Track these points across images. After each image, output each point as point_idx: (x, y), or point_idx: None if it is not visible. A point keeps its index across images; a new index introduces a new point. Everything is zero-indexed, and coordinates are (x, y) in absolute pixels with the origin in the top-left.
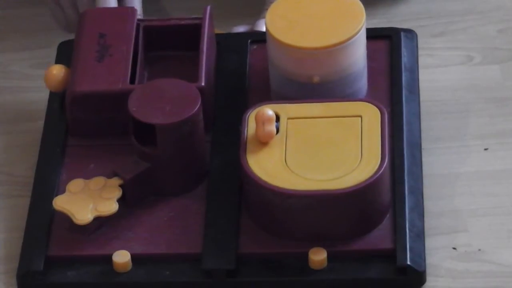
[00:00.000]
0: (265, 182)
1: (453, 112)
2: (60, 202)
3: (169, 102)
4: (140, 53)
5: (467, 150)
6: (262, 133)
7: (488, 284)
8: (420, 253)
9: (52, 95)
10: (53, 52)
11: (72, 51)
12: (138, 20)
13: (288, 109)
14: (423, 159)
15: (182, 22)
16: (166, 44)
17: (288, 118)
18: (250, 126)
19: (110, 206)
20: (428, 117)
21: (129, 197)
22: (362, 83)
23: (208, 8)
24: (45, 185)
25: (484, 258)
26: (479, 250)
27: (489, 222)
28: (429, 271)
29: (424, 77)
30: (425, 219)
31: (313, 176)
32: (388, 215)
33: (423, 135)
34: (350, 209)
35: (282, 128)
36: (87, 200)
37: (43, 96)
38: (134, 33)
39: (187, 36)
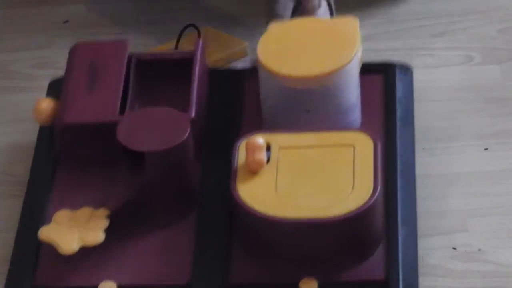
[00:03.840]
0: (256, 210)
1: (453, 112)
2: (46, 233)
3: (158, 129)
4: (131, 87)
5: (467, 150)
6: (252, 161)
7: (488, 284)
8: (413, 287)
9: (42, 128)
10: (53, 52)
11: (62, 84)
12: (130, 53)
13: (280, 139)
14: (423, 159)
15: (174, 56)
16: (158, 78)
17: (280, 148)
18: (241, 155)
19: (96, 236)
20: (428, 117)
21: (117, 227)
22: (355, 116)
23: (200, 41)
24: (33, 216)
25: (484, 258)
26: (479, 250)
27: (489, 222)
28: (429, 271)
29: (424, 77)
30: (425, 219)
31: (305, 204)
32: (381, 246)
33: (423, 135)
34: (342, 238)
35: (273, 157)
36: (73, 230)
37: (43, 96)
38: (125, 65)
39: (179, 70)
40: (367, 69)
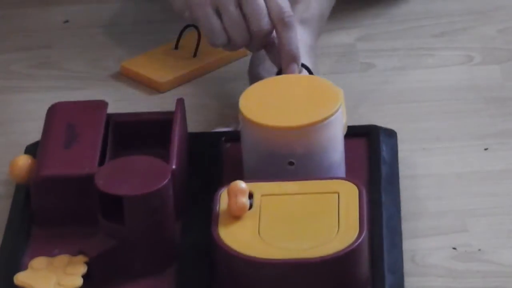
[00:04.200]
0: (237, 252)
1: (453, 112)
2: (22, 278)
3: (138, 175)
4: (109, 147)
5: (467, 150)
6: (235, 206)
7: (488, 284)
8: None
9: (18, 186)
10: (53, 52)
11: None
12: (109, 114)
13: (262, 187)
14: (423, 159)
15: (154, 117)
16: (137, 139)
17: (262, 195)
18: (222, 203)
19: (75, 281)
20: (428, 117)
21: (95, 277)
22: (339, 174)
23: (182, 100)
24: (8, 266)
25: (484, 258)
26: (479, 250)
27: (489, 222)
28: (429, 271)
29: (424, 77)
30: (425, 219)
31: (289, 246)
32: None
33: (423, 135)
34: (328, 281)
35: (255, 204)
36: (50, 275)
37: (43, 96)
38: (103, 123)
39: (158, 131)
40: (351, 132)
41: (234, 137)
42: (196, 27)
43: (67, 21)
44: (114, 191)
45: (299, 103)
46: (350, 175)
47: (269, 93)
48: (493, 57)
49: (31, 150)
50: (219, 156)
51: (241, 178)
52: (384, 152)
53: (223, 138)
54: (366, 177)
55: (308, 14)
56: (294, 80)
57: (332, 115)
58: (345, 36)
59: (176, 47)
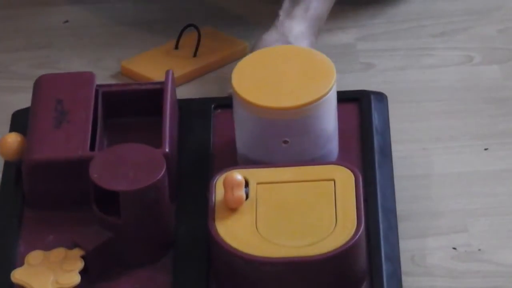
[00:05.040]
0: (236, 250)
1: (453, 112)
2: (19, 275)
3: (132, 167)
4: (100, 120)
5: (467, 150)
6: (231, 199)
7: (488, 284)
8: None
9: (7, 164)
10: (53, 52)
11: (28, 119)
12: (97, 85)
13: (257, 174)
14: (423, 159)
15: (143, 87)
16: (127, 110)
17: (258, 183)
18: (218, 192)
19: (72, 278)
20: (428, 117)
21: (91, 269)
22: (333, 145)
23: (170, 72)
24: (3, 257)
25: (484, 258)
26: (479, 250)
27: (489, 222)
28: (429, 271)
29: (424, 77)
30: (425, 219)
31: (287, 243)
32: (364, 284)
33: (423, 135)
34: (326, 276)
35: (251, 194)
36: (47, 273)
37: None
38: (93, 98)
39: (148, 102)
40: (341, 98)
41: (225, 103)
42: (196, 27)
43: (67, 21)
44: (111, 186)
45: (293, 79)
46: (343, 149)
47: (262, 68)
48: (493, 57)
49: (18, 118)
50: (209, 124)
51: (234, 152)
52: (376, 120)
53: (212, 105)
54: (359, 149)
55: (309, 15)
56: (286, 52)
57: (327, 93)
58: (345, 36)
59: (176, 47)
